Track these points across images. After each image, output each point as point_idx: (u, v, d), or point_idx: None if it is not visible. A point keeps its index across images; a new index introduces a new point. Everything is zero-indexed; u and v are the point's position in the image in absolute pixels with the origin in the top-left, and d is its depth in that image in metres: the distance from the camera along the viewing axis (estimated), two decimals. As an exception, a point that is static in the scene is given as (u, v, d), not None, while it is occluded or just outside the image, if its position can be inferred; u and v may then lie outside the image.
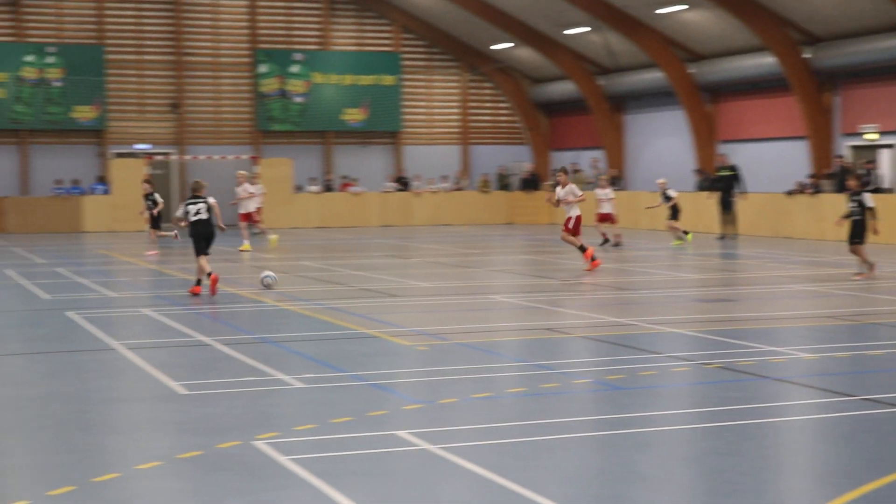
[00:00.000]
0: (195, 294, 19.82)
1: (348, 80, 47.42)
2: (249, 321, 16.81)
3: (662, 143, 43.92)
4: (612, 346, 14.23)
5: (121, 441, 9.51)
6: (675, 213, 32.58)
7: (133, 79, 45.57)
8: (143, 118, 45.69)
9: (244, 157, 44.17)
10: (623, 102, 45.60)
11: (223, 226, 21.88)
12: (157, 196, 30.65)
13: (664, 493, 8.01)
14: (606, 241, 31.68)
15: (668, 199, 32.62)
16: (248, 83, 46.77)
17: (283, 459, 8.63)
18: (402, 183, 46.73)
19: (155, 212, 30.33)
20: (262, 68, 46.49)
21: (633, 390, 11.36)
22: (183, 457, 8.78)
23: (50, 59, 44.05)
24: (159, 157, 44.22)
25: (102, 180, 43.13)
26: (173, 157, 44.84)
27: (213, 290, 19.79)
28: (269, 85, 46.58)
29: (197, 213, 20.36)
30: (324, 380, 11.89)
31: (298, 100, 46.92)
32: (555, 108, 49.78)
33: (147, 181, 31.94)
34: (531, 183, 46.78)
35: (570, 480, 8.20)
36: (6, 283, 22.56)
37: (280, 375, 12.07)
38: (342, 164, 47.87)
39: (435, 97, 49.69)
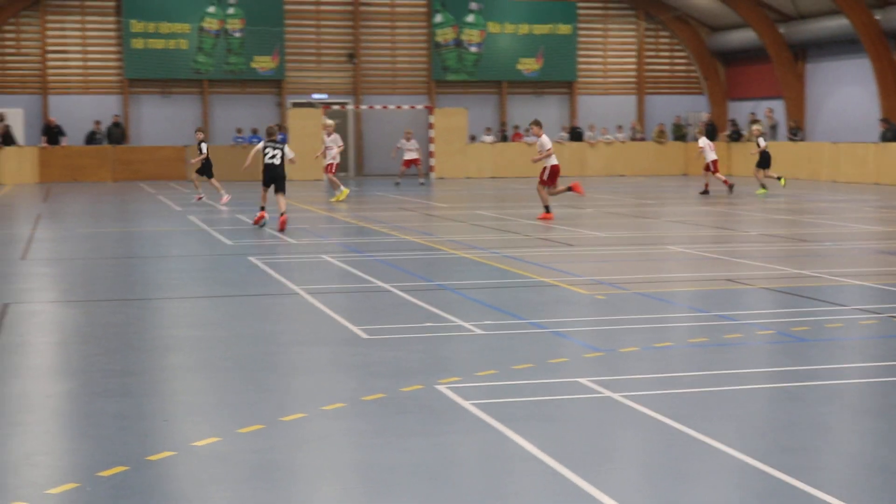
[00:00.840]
0: (260, 220, 22.37)
1: (523, 29, 47.25)
2: (426, 268, 16.92)
3: (846, 92, 42.73)
4: (795, 297, 13.94)
5: (306, 382, 9.69)
6: (762, 161, 33.06)
7: (311, 29, 46.16)
8: (320, 68, 46.29)
9: (419, 107, 44.42)
10: (805, 51, 44.43)
11: (294, 159, 23.09)
12: (203, 146, 31.13)
13: (853, 445, 7.83)
14: (706, 192, 32.61)
15: (758, 146, 33.31)
16: (423, 33, 46.95)
17: (466, 403, 8.68)
18: (575, 133, 46.36)
19: (198, 160, 31.08)
20: (438, 18, 46.60)
21: (819, 342, 11.12)
22: (367, 399, 8.90)
23: (231, 10, 44.90)
24: (336, 107, 44.75)
25: (281, 130, 43.81)
26: (349, 107, 45.33)
27: (281, 228, 21.75)
28: (445, 35, 46.68)
29: (272, 157, 21.94)
30: (503, 326, 11.91)
31: (473, 49, 46.93)
32: (733, 57, 48.79)
33: (199, 129, 32.51)
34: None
35: (755, 431, 8.07)
36: (190, 229, 23.15)
37: (459, 321, 12.13)
38: (517, 113, 47.74)
39: (611, 46, 49.16)
